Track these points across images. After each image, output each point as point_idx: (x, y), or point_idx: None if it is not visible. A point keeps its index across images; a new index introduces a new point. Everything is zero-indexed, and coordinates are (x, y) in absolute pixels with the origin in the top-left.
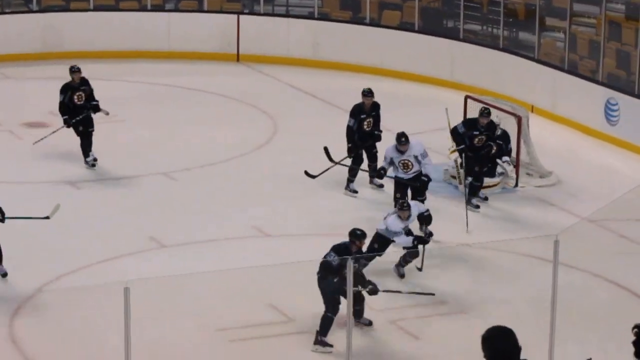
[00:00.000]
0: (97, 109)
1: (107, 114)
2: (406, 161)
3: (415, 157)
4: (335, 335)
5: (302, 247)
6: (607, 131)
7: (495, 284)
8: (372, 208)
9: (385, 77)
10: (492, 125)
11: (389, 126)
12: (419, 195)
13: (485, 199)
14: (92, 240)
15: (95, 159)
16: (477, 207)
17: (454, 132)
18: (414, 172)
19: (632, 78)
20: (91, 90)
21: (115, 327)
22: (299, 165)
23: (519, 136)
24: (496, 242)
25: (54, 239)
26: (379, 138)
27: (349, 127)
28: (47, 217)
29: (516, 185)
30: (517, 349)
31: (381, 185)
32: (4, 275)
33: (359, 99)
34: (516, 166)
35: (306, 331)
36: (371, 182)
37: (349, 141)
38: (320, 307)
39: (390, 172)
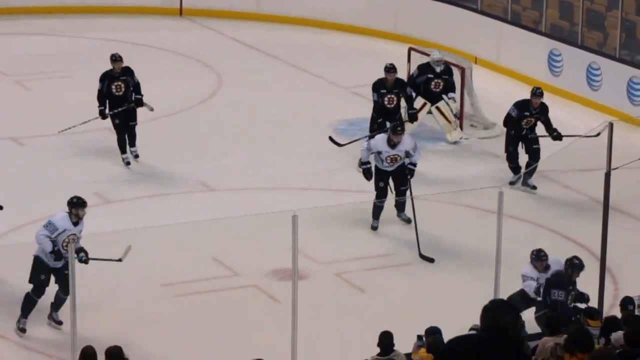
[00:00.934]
0: (139, 103)
1: (152, 109)
2: (396, 156)
3: (407, 152)
4: (281, 288)
5: (246, 201)
6: (551, 82)
7: (440, 236)
8: (315, 160)
9: (329, 30)
10: (545, 107)
11: (333, 79)
12: (402, 185)
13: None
14: (36, 196)
15: (136, 155)
16: (534, 187)
17: (508, 119)
18: (398, 165)
19: (575, 29)
20: (136, 83)
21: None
22: (244, 119)
23: (462, 88)
24: (441, 194)
25: None
26: (413, 117)
27: (374, 102)
28: (120, 260)
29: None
30: (516, 325)
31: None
32: None
33: (304, 52)
34: (460, 118)
35: (251, 285)
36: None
37: (373, 115)
38: (264, 264)
39: (371, 158)
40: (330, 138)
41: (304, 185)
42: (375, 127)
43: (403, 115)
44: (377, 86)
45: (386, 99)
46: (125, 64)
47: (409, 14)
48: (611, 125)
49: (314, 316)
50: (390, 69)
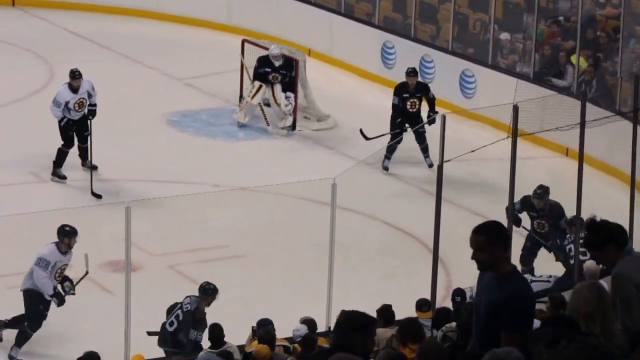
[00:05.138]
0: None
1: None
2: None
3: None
4: (114, 279)
5: (82, 191)
6: (384, 74)
7: (274, 228)
8: (148, 151)
9: (161, 21)
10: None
11: (166, 70)
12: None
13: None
14: None
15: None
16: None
17: (393, 108)
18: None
19: (408, 21)
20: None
21: None
22: None
23: (296, 80)
24: (274, 186)
25: None
26: (432, 121)
27: (393, 105)
28: (87, 272)
29: (294, 128)
30: (367, 344)
31: (431, 165)
32: None
33: (137, 43)
34: (294, 110)
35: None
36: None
37: (392, 118)
38: (97, 256)
39: None
40: (361, 131)
41: (137, 177)
42: (396, 127)
43: None
44: (400, 90)
45: (409, 103)
46: None
47: (242, 6)
48: (444, 117)
49: (148, 308)
50: (411, 72)
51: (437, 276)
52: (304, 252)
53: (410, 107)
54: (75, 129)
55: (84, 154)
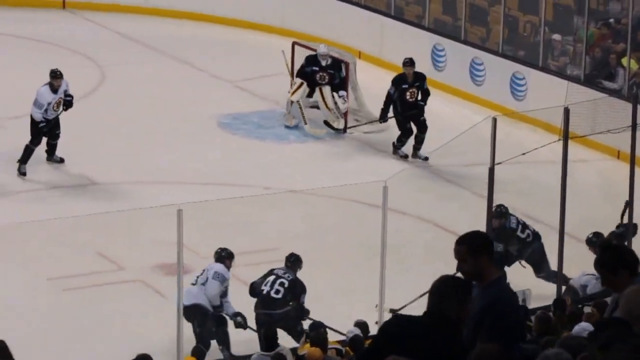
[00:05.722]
0: None
1: None
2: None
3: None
4: (166, 282)
5: (131, 194)
6: (434, 77)
7: (324, 230)
8: (198, 154)
9: (214, 24)
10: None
11: (217, 72)
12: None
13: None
14: None
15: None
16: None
17: (388, 97)
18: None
19: (458, 23)
20: None
21: None
22: (127, 113)
23: (346, 82)
24: (325, 188)
25: None
26: (421, 109)
27: (388, 94)
28: None
29: (344, 131)
30: (462, 311)
31: (405, 156)
32: None
33: (187, 46)
34: (345, 112)
35: (136, 279)
36: (415, 155)
37: (384, 106)
38: (149, 258)
39: None
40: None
41: (188, 180)
42: (401, 119)
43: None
44: (398, 81)
45: (408, 93)
46: (7, 57)
47: (294, 8)
48: (494, 120)
49: None
50: (408, 62)
51: None
52: (355, 254)
53: (410, 96)
54: (49, 128)
55: (52, 150)
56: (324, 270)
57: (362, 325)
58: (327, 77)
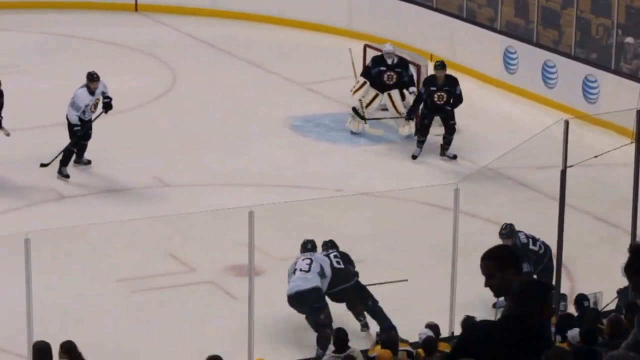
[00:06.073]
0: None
1: (8, 134)
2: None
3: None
4: (237, 284)
5: (202, 196)
6: (506, 79)
7: (395, 232)
8: (270, 157)
9: (284, 26)
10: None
11: (288, 75)
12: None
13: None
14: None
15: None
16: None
17: (419, 97)
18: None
19: (530, 26)
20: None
21: (16, 279)
22: (199, 116)
23: (418, 85)
24: (395, 191)
25: None
26: (449, 114)
27: (418, 93)
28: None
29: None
30: (544, 311)
31: (454, 157)
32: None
33: (258, 48)
34: (416, 115)
35: (207, 281)
36: (443, 154)
37: (413, 104)
38: (220, 260)
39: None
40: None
41: (260, 182)
42: (423, 118)
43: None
44: (429, 83)
45: (436, 95)
46: (80, 60)
47: (364, 11)
48: (567, 122)
49: (270, 312)
50: (438, 65)
51: (560, 282)
52: (425, 257)
53: (438, 99)
54: (84, 131)
55: (81, 152)
56: (394, 272)
57: (433, 327)
58: (394, 77)
